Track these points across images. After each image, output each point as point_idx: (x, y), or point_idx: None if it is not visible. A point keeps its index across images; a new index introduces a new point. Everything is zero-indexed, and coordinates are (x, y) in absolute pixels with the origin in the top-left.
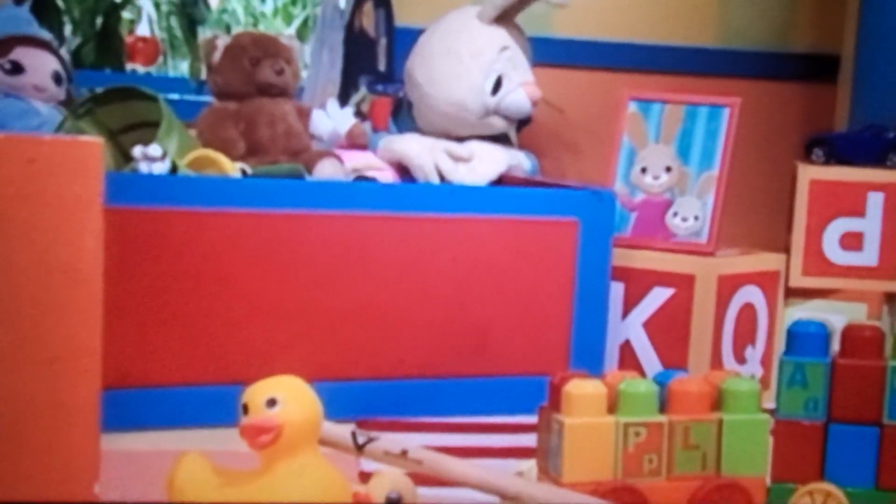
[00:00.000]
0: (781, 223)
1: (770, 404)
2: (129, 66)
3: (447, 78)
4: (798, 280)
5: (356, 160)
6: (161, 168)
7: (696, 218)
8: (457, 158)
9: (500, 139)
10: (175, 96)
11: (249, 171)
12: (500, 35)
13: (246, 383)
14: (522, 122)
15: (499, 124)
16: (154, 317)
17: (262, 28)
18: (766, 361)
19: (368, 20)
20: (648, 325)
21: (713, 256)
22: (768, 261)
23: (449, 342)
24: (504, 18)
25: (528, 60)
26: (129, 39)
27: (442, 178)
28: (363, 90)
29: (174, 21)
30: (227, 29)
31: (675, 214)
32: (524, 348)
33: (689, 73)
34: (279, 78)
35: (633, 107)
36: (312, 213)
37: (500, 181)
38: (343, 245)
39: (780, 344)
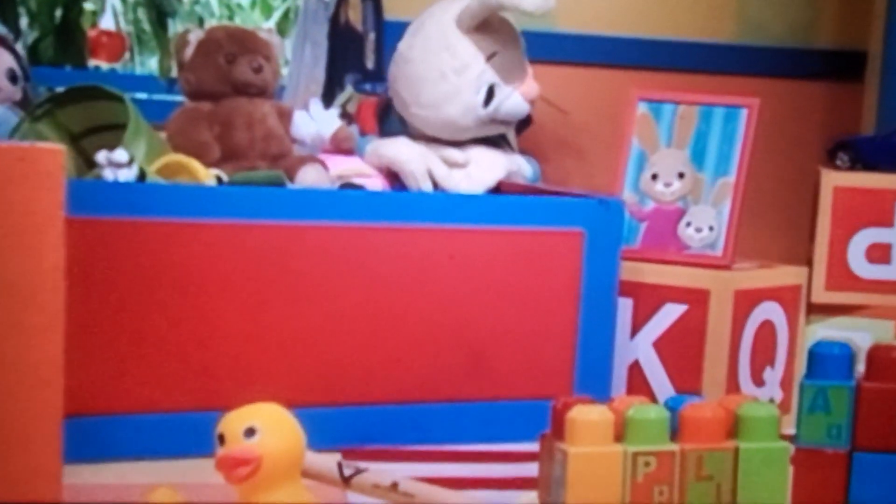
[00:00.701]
0: (803, 234)
1: (790, 430)
2: (91, 63)
3: (435, 100)
4: (821, 295)
5: (342, 166)
6: (127, 175)
7: (711, 228)
8: (452, 164)
9: (499, 143)
10: (143, 96)
11: (225, 178)
12: (485, 42)
13: (222, 410)
14: (523, 125)
15: (499, 129)
16: (121, 337)
17: (238, 21)
18: (786, 384)
19: (355, 13)
20: (659, 345)
21: (729, 270)
22: (789, 274)
23: (443, 363)
24: (485, 23)
25: (522, 55)
26: (91, 33)
27: (435, 185)
28: (349, 89)
29: (141, 13)
30: (200, 22)
31: (689, 224)
32: (524, 370)
33: (704, 70)
34: (257, 76)
35: (642, 108)
36: (294, 225)
37: (499, 189)
38: (328, 259)
39: (801, 365)
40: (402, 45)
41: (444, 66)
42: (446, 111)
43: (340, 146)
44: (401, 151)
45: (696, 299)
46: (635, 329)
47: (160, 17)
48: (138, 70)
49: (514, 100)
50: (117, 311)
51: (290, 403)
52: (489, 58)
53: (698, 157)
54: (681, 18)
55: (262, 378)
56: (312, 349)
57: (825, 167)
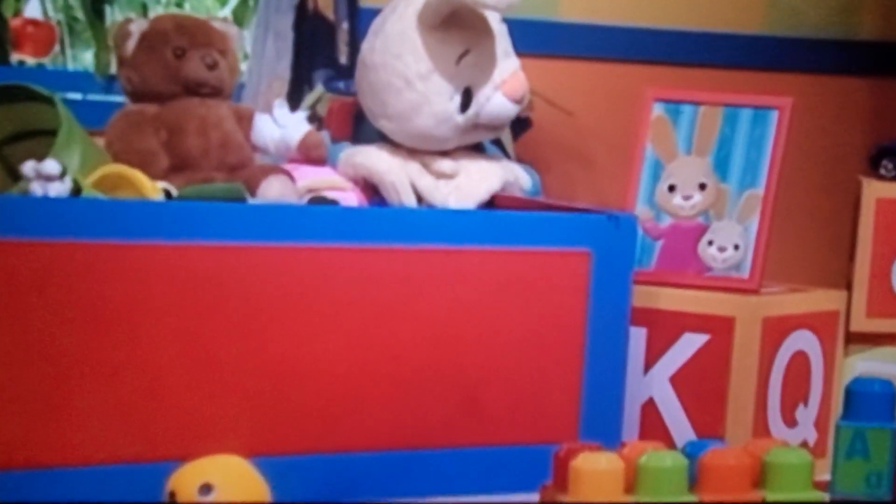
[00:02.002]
0: (842, 253)
1: (825, 477)
2: (15, 58)
3: (402, 112)
4: (862, 323)
5: (311, 177)
6: (60, 189)
7: (737, 247)
8: (438, 175)
9: (493, 149)
10: (76, 96)
11: (174, 192)
12: (453, 40)
13: (173, 462)
14: (520, 129)
15: (487, 134)
16: (52, 377)
17: (188, 9)
18: (821, 424)
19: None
20: (677, 381)
21: (757, 294)
22: (825, 299)
23: (430, 404)
24: (458, 15)
25: (504, 46)
26: (14, 23)
27: (420, 199)
28: (319, 88)
29: (73, 0)
30: (144, 10)
31: (711, 243)
32: (523, 411)
33: (729, 66)
34: (211, 73)
35: (658, 109)
36: (256, 246)
37: (493, 203)
38: (295, 286)
39: (838, 402)
40: (364, 47)
41: (407, 71)
42: (416, 123)
43: (309, 154)
44: (379, 160)
45: (720, 328)
46: (649, 363)
47: (96, 4)
48: (70, 66)
49: (496, 101)
50: (47, 348)
51: (253, 452)
52: (460, 58)
53: (722, 166)
54: (702, 6)
55: (220, 424)
56: (278, 389)
57: (867, 176)
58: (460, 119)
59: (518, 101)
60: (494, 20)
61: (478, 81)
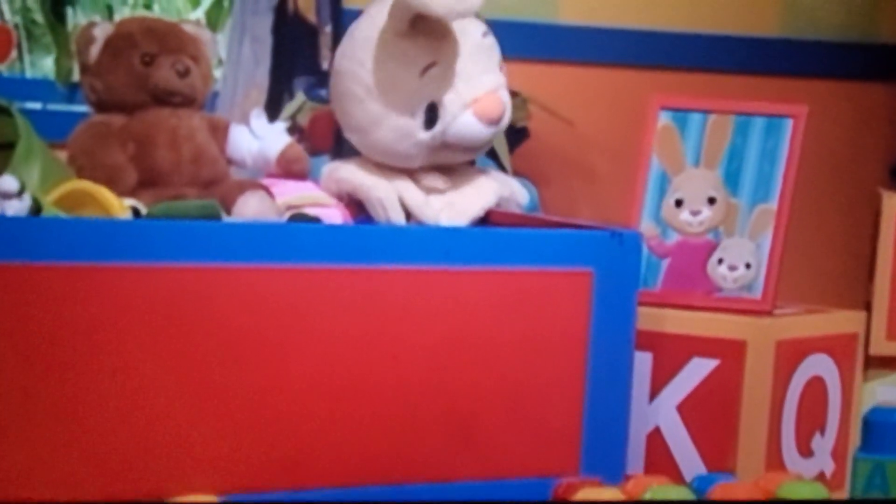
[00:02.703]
0: (861, 271)
1: None
2: None
3: (364, 124)
4: (882, 346)
5: (292, 193)
6: (18, 208)
7: (749, 266)
8: (429, 190)
9: (488, 162)
10: (36, 106)
11: (143, 210)
12: (418, 50)
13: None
14: (517, 139)
15: (458, 156)
16: (11, 412)
17: (157, 11)
18: (838, 454)
19: (306, 1)
20: (685, 409)
21: (770, 316)
22: (843, 321)
23: (423, 435)
24: (424, 23)
25: (485, 62)
26: None
27: (409, 216)
28: (300, 97)
29: (32, 1)
30: (109, 12)
31: (721, 262)
32: (520, 442)
33: (740, 71)
34: (183, 81)
35: (664, 118)
36: (231, 268)
37: (487, 220)
38: (274, 310)
39: (857, 430)
40: (337, 52)
41: (368, 80)
42: (377, 136)
43: (290, 168)
44: (365, 175)
45: (730, 353)
46: (655, 390)
47: (57, 6)
48: (29, 73)
49: (464, 121)
50: (7, 380)
51: (229, 490)
52: (425, 70)
53: (733, 179)
54: (712, 7)
55: (198, 459)
56: (257, 421)
57: (888, 189)
58: (424, 136)
59: (491, 123)
60: (474, 33)
61: (444, 97)
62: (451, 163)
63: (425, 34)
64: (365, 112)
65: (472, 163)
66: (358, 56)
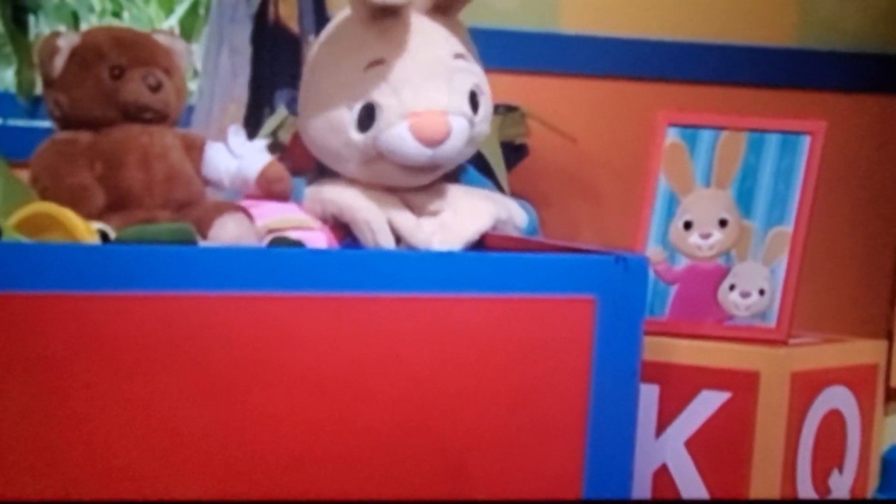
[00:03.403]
0: (881, 298)
1: None
2: None
3: (308, 110)
4: None
5: (273, 216)
6: None
7: (762, 292)
8: (420, 211)
9: (484, 182)
10: None
11: (112, 234)
12: (370, 44)
13: None
14: (515, 157)
15: (396, 175)
16: None
17: (127, 19)
18: (858, 492)
19: (288, 8)
20: (694, 445)
21: (785, 346)
22: (863, 351)
23: (413, 472)
24: (383, 17)
25: (448, 75)
26: None
27: (398, 239)
28: (282, 112)
29: None
30: (75, 20)
31: (733, 288)
32: (519, 481)
33: (753, 84)
34: (155, 96)
35: (673, 135)
36: (207, 296)
37: (483, 244)
38: (255, 340)
39: (878, 466)
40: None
41: (318, 62)
42: (315, 126)
43: (270, 189)
44: (352, 195)
45: (742, 385)
46: (663, 424)
47: (18, 14)
48: None
49: (397, 133)
50: None
51: None
52: (370, 66)
53: (745, 200)
54: (723, 16)
55: (170, 495)
56: (234, 458)
57: None
58: (356, 137)
59: (426, 144)
60: (443, 48)
61: (383, 101)
62: (394, 184)
63: (382, 29)
64: (311, 96)
65: (456, 179)
66: (319, 40)
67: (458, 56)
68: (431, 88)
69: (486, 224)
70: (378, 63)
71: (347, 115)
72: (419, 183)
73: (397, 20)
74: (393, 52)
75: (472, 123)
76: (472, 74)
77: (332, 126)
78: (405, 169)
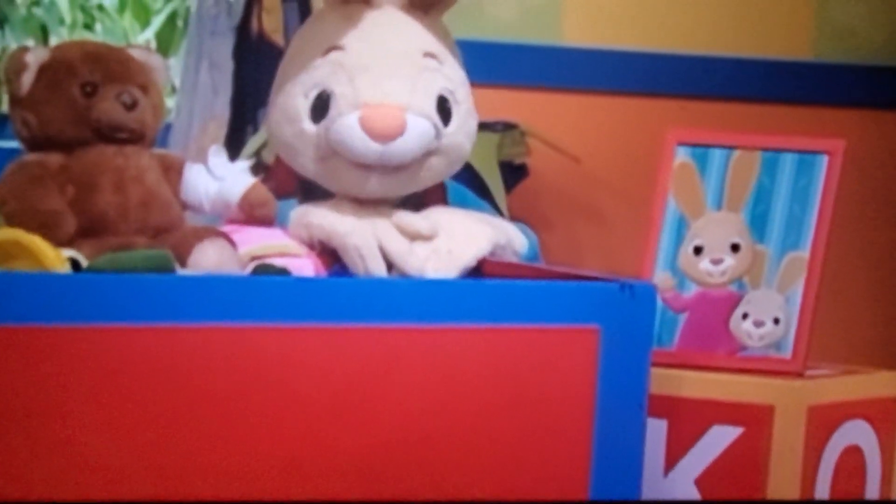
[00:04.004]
0: None
1: None
2: None
3: (272, 108)
4: None
5: (256, 242)
6: None
7: (777, 321)
8: (413, 236)
9: (482, 205)
10: None
11: (84, 262)
12: (335, 28)
13: None
14: (515, 178)
15: (348, 174)
16: None
17: (100, 32)
18: None
19: (272, 20)
20: (704, 483)
21: (801, 378)
22: (883, 383)
23: None
24: (342, 6)
25: (402, 71)
26: None
27: (391, 266)
28: (266, 131)
29: None
30: (44, 34)
31: (746, 316)
32: None
33: (767, 100)
34: (130, 115)
35: (682, 154)
36: (187, 327)
37: (480, 270)
38: (238, 374)
39: None
40: None
41: (287, 56)
42: (273, 113)
43: (253, 213)
44: (340, 220)
45: (756, 419)
46: (671, 461)
47: None
48: None
49: (346, 122)
50: None
51: None
52: (328, 50)
53: (759, 224)
54: (734, 28)
55: None
56: (218, 496)
57: None
58: (309, 128)
59: (374, 138)
60: (413, 44)
61: (338, 89)
62: (350, 189)
63: (347, 14)
64: (276, 81)
65: (444, 200)
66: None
67: (428, 55)
68: (391, 80)
69: (483, 249)
70: (336, 48)
71: (302, 103)
72: (375, 191)
73: (367, 7)
74: (355, 38)
75: (437, 131)
76: (445, 78)
77: (286, 115)
78: (357, 169)
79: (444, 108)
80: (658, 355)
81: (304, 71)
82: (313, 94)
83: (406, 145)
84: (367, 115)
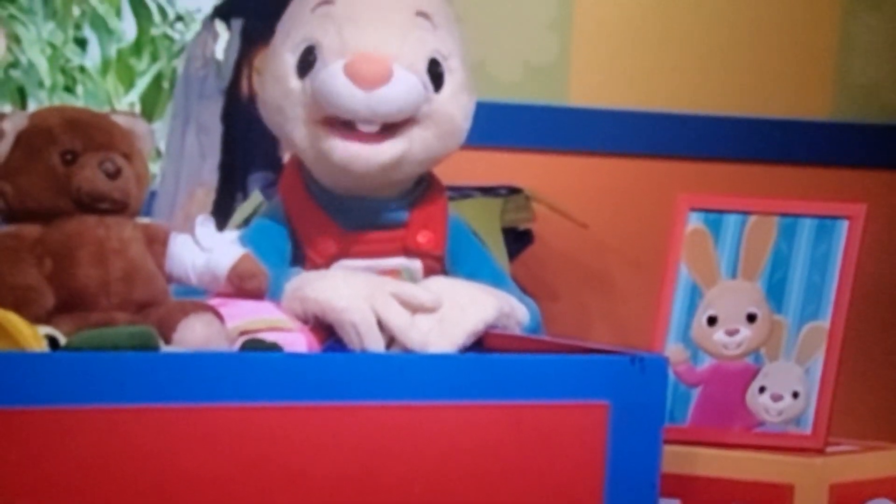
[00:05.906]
0: None
1: None
2: None
3: (263, 76)
4: None
5: (246, 316)
6: None
7: (796, 395)
8: (414, 308)
9: (503, 280)
10: None
11: (62, 339)
12: None
13: None
14: (520, 244)
15: (335, 143)
16: None
17: (81, 95)
18: None
19: None
20: None
21: (822, 455)
22: None
23: None
24: None
25: (390, 21)
26: None
27: (390, 340)
28: (256, 197)
29: None
30: (22, 98)
31: (763, 390)
32: None
33: (784, 162)
34: (113, 184)
35: (695, 220)
36: (171, 408)
37: (481, 344)
38: (226, 457)
39: None
40: None
41: (280, 21)
42: (263, 87)
43: (243, 286)
44: (335, 293)
45: (775, 499)
46: None
47: None
48: None
49: (331, 70)
50: None
51: None
52: (318, 5)
53: (776, 293)
54: (749, 87)
55: None
56: None
57: None
58: (295, 85)
59: (359, 84)
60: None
61: (325, 42)
62: (340, 165)
63: None
64: (270, 53)
65: (443, 271)
66: None
67: (421, 14)
68: (379, 31)
69: (490, 315)
70: (327, 3)
71: (290, 59)
72: (362, 163)
73: None
74: None
75: (427, 91)
76: (437, 41)
77: (274, 75)
78: (344, 132)
79: (435, 73)
80: (671, 432)
81: (293, 29)
82: (301, 48)
83: (392, 93)
84: (352, 62)
